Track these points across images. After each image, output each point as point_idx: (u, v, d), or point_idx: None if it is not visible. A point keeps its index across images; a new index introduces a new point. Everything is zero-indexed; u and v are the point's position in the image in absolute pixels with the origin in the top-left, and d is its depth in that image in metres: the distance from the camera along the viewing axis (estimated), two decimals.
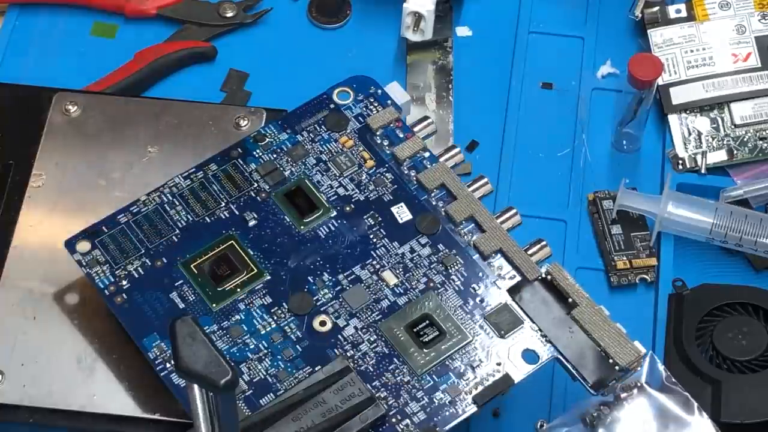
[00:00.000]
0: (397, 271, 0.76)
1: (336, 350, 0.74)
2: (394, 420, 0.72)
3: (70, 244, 0.77)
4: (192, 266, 0.76)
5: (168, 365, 0.73)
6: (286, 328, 0.74)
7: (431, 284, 0.76)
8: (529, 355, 0.74)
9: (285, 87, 0.93)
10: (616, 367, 0.73)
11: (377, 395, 0.72)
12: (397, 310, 0.75)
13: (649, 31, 0.94)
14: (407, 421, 0.72)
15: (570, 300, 0.75)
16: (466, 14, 0.98)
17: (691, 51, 0.93)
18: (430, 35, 0.93)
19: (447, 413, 0.72)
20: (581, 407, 0.75)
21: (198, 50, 0.95)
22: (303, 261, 0.77)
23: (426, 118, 0.83)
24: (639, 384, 0.74)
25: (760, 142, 0.90)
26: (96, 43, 0.96)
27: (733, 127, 0.91)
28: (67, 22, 0.97)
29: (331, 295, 0.75)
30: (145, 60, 0.93)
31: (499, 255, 0.77)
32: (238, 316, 0.75)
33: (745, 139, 0.90)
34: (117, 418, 0.75)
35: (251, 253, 0.77)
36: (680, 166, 0.90)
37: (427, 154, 0.80)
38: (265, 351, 0.74)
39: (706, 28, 0.93)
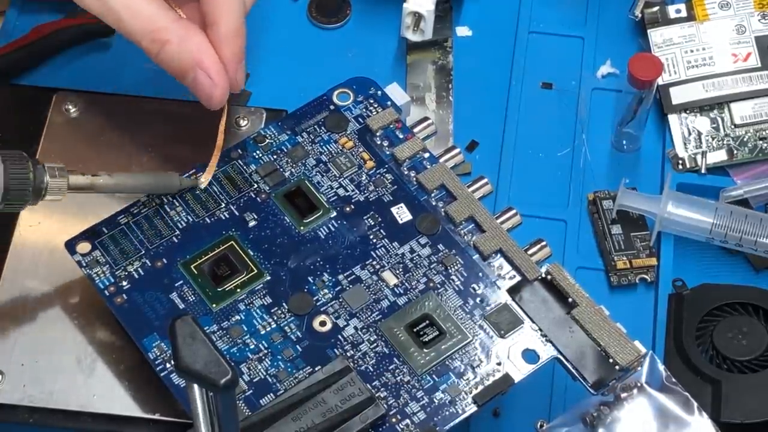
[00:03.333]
0: (397, 271, 0.76)
1: (336, 350, 0.74)
2: (394, 420, 0.72)
3: (71, 245, 0.77)
4: (192, 267, 0.76)
5: (168, 365, 0.73)
6: (286, 328, 0.74)
7: (431, 284, 0.76)
8: (529, 355, 0.74)
9: (285, 87, 0.93)
10: (616, 367, 0.73)
11: (377, 395, 0.72)
12: (397, 310, 0.75)
13: (649, 31, 0.94)
14: (407, 420, 0.72)
15: (570, 300, 0.75)
16: (466, 14, 0.98)
17: (691, 51, 0.93)
18: (430, 35, 0.93)
19: (447, 413, 0.72)
20: (581, 407, 0.74)
21: (97, 26, 0.93)
22: (303, 261, 0.77)
23: (426, 119, 0.82)
24: (639, 384, 0.74)
25: (760, 142, 0.90)
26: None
27: (733, 127, 0.91)
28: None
29: (331, 296, 0.75)
30: (41, 32, 0.92)
31: (499, 255, 0.77)
32: (238, 317, 0.75)
33: (745, 139, 0.90)
34: (117, 418, 0.75)
35: (251, 253, 0.77)
36: (680, 166, 0.90)
37: (426, 155, 0.80)
38: (265, 351, 0.74)
39: (706, 28, 0.93)
